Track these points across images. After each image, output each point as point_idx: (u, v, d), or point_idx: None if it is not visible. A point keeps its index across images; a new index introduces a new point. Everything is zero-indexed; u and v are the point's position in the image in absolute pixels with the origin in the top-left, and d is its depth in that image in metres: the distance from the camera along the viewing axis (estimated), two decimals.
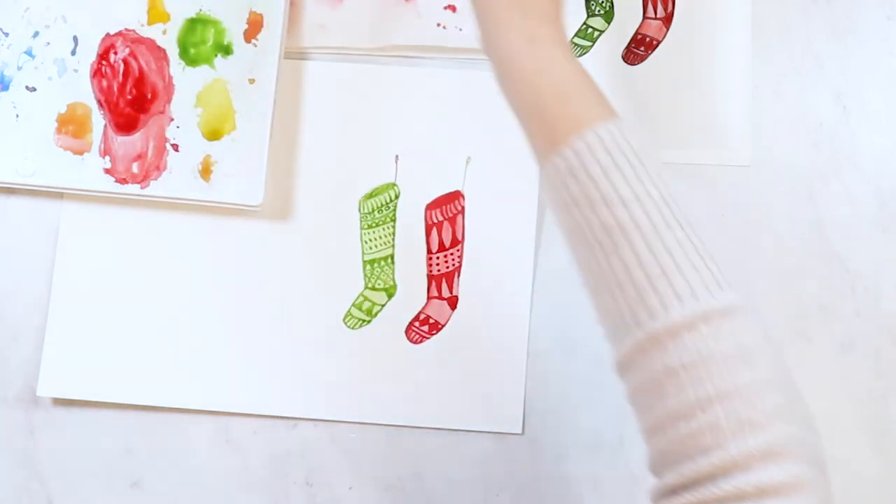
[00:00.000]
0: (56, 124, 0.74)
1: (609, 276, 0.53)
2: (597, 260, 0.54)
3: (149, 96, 0.74)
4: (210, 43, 0.74)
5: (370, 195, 0.74)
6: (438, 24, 0.74)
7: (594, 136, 0.54)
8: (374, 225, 0.74)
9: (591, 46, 0.75)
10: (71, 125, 0.74)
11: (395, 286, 0.74)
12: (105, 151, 0.74)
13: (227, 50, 0.74)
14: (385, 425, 0.73)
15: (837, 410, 0.72)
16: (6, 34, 0.75)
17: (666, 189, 0.54)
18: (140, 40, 0.74)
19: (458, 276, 0.74)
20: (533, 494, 0.72)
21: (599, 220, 0.53)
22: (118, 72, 0.74)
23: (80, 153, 0.74)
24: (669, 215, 0.53)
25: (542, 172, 0.56)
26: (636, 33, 0.75)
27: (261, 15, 0.74)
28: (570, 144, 0.54)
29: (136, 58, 0.74)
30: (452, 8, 0.75)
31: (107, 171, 0.73)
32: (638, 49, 0.75)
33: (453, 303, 0.73)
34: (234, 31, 0.74)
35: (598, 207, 0.53)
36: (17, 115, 0.74)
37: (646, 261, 0.52)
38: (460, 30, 0.74)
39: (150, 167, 0.73)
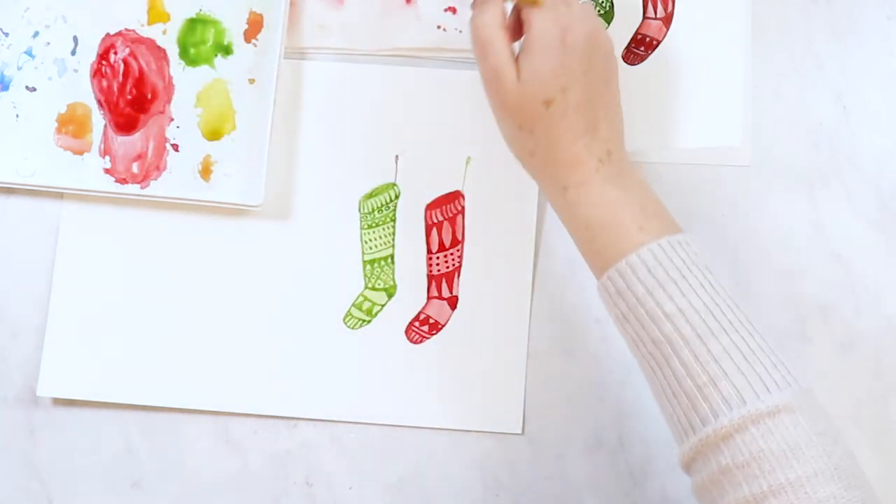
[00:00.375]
0: (56, 124, 0.74)
1: (664, 385, 0.58)
2: (652, 370, 0.59)
3: (149, 96, 0.74)
4: (210, 43, 0.74)
5: (370, 195, 0.74)
6: (439, 27, 0.74)
7: (636, 258, 0.58)
8: (374, 225, 0.74)
9: None
10: (71, 125, 0.74)
11: (395, 286, 0.74)
12: (105, 151, 0.74)
13: (227, 50, 0.74)
14: (385, 425, 0.73)
15: (837, 410, 0.71)
16: (6, 34, 0.75)
17: (711, 298, 0.58)
18: (140, 40, 0.74)
19: (458, 276, 0.74)
20: (533, 494, 0.72)
21: (649, 335, 0.58)
22: (118, 72, 0.74)
23: (80, 153, 0.74)
24: (714, 324, 0.57)
25: (600, 292, 0.61)
26: (636, 33, 0.75)
27: (261, 15, 0.74)
28: (616, 268, 0.59)
29: (136, 58, 0.74)
30: (453, 10, 0.75)
31: (107, 171, 0.73)
32: (638, 49, 0.75)
33: (453, 303, 0.73)
34: (234, 31, 0.74)
35: (646, 324, 0.58)
36: (17, 115, 0.74)
37: (694, 371, 0.56)
38: (460, 31, 0.75)
39: (150, 167, 0.73)
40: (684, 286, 0.58)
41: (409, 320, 0.73)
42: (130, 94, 0.74)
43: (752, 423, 0.54)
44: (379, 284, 0.74)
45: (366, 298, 0.74)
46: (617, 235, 0.60)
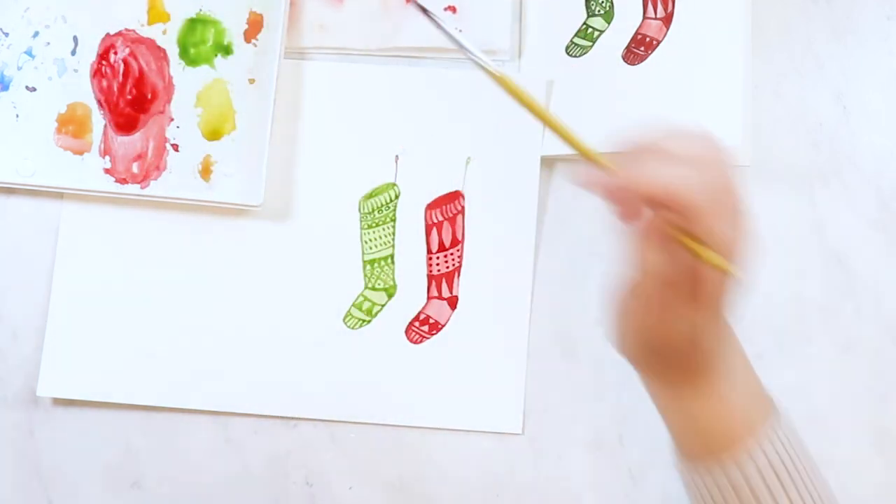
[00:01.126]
0: (56, 124, 0.74)
1: None
2: None
3: (149, 96, 0.74)
4: (210, 43, 0.74)
5: (370, 195, 0.74)
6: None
7: (747, 458, 0.55)
8: (374, 225, 0.74)
9: (591, 46, 0.75)
10: (71, 125, 0.74)
11: (395, 286, 0.74)
12: (105, 151, 0.74)
13: (227, 50, 0.74)
14: (385, 425, 0.73)
15: (837, 410, 0.72)
16: (6, 34, 0.75)
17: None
18: (140, 40, 0.74)
19: (458, 276, 0.74)
20: (533, 494, 0.72)
21: None
22: (118, 72, 0.74)
23: (80, 153, 0.74)
24: None
25: (685, 469, 0.58)
26: (636, 33, 0.75)
27: (261, 15, 0.74)
28: (720, 465, 0.55)
29: (136, 58, 0.74)
30: (452, 9, 0.75)
31: (107, 171, 0.73)
32: (638, 49, 0.75)
33: (453, 303, 0.73)
34: (234, 31, 0.74)
35: None
36: (17, 115, 0.74)
37: None
38: (460, 31, 0.75)
39: (150, 167, 0.73)
40: (780, 495, 0.56)
41: (409, 320, 0.73)
42: (130, 94, 0.74)
43: None
44: (379, 284, 0.74)
45: (366, 298, 0.74)
46: (720, 440, 0.57)
